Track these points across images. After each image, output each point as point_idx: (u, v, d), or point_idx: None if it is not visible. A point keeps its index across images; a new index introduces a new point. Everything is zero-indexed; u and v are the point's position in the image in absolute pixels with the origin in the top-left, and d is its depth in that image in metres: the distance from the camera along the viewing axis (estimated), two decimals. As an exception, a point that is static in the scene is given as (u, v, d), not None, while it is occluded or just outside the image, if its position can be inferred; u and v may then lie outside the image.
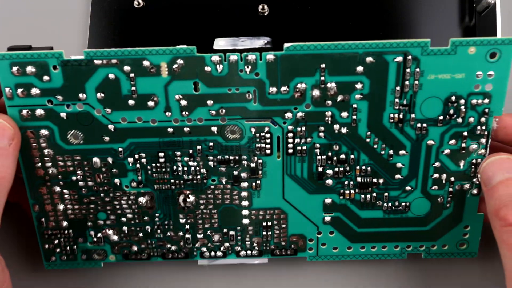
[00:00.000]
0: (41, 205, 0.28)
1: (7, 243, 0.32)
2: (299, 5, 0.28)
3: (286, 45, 0.25)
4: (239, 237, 0.30)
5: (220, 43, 0.27)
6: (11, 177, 0.25)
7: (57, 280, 0.32)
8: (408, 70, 0.26)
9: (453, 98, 0.26)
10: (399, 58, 0.26)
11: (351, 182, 0.28)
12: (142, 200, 0.29)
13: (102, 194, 0.28)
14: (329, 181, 0.28)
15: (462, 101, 0.26)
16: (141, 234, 0.29)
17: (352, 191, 0.29)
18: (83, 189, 0.28)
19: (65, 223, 0.29)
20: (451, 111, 0.27)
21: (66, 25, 0.31)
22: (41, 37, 0.27)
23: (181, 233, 0.29)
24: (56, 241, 0.29)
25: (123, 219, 0.29)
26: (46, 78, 0.26)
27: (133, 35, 0.30)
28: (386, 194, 0.29)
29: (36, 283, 0.32)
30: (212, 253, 0.30)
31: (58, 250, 0.30)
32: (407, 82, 0.26)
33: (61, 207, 0.29)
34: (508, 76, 0.26)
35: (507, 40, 0.25)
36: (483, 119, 0.27)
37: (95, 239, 0.29)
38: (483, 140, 0.27)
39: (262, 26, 0.29)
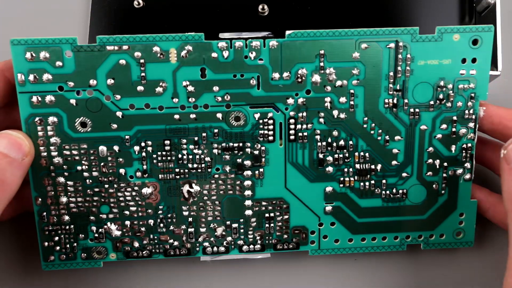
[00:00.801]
0: (44, 198, 0.28)
1: (5, 244, 0.31)
2: (299, 5, 0.31)
3: (287, 32, 0.27)
4: (242, 230, 0.30)
5: (225, 34, 0.28)
6: (16, 188, 0.26)
7: (57, 281, 0.31)
8: (400, 56, 0.28)
9: (442, 83, 0.29)
10: (392, 45, 0.28)
11: (350, 169, 0.29)
12: (146, 191, 0.29)
13: (106, 186, 0.29)
14: (330, 168, 0.29)
15: (450, 86, 0.29)
16: (143, 229, 0.29)
17: (352, 179, 0.30)
18: (88, 180, 0.28)
19: (66, 218, 0.29)
20: (441, 96, 0.29)
21: (66, 25, 0.32)
22: (41, 37, 0.28)
23: (184, 227, 0.29)
24: (56, 238, 0.29)
25: (126, 212, 0.29)
26: (59, 63, 0.27)
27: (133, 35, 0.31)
28: (384, 181, 0.30)
29: (34, 284, 0.30)
30: (215, 249, 0.30)
31: (57, 248, 0.29)
32: (399, 68, 0.28)
33: (64, 199, 0.28)
34: (490, 62, 0.28)
35: (486, 27, 0.28)
36: (470, 104, 0.29)
37: (96, 235, 0.29)
38: (472, 125, 0.29)
39: (262, 26, 0.31)
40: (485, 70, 0.29)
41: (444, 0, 0.31)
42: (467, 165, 0.30)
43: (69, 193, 0.28)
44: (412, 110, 0.29)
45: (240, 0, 0.31)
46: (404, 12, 0.31)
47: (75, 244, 0.29)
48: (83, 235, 0.29)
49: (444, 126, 0.29)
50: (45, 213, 0.29)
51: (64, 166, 0.28)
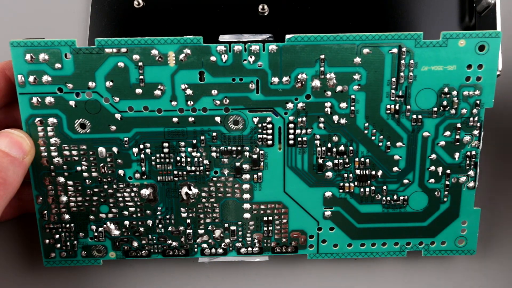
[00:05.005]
0: (44, 196, 0.29)
1: (6, 241, 0.31)
2: (299, 5, 0.30)
3: (287, 36, 0.27)
4: (240, 233, 0.30)
5: (225, 37, 0.28)
6: (17, 187, 0.26)
7: (57, 278, 0.31)
8: (402, 61, 0.27)
9: (446, 89, 0.28)
10: (394, 50, 0.27)
11: (350, 175, 0.29)
12: (145, 192, 0.29)
13: (105, 186, 0.29)
14: (329, 174, 0.29)
15: (455, 93, 0.28)
16: (142, 229, 0.30)
17: (352, 184, 0.29)
18: (87, 180, 0.29)
19: (67, 216, 0.29)
20: (445, 103, 0.28)
21: (66, 25, 0.32)
22: (41, 37, 0.28)
23: (182, 228, 0.30)
24: (57, 236, 0.29)
25: (125, 212, 0.29)
26: (58, 65, 0.27)
27: (133, 35, 0.31)
28: (384, 187, 0.29)
29: (35, 281, 0.31)
30: (213, 250, 0.30)
31: (58, 245, 0.29)
32: (402, 74, 0.28)
33: (64, 199, 0.29)
34: (496, 68, 0.28)
35: (494, 33, 0.27)
36: (475, 111, 0.28)
37: (96, 234, 0.29)
38: (476, 132, 0.28)
39: (262, 26, 0.30)
40: (492, 76, 0.28)
41: (444, 0, 0.30)
42: (471, 172, 0.29)
43: (69, 193, 0.29)
44: (414, 116, 0.28)
45: (240, 1, 0.30)
46: (403, 12, 0.31)
47: (75, 242, 0.30)
48: (83, 234, 0.30)
49: (447, 133, 0.28)
50: (45, 212, 0.29)
51: (64, 166, 0.28)
